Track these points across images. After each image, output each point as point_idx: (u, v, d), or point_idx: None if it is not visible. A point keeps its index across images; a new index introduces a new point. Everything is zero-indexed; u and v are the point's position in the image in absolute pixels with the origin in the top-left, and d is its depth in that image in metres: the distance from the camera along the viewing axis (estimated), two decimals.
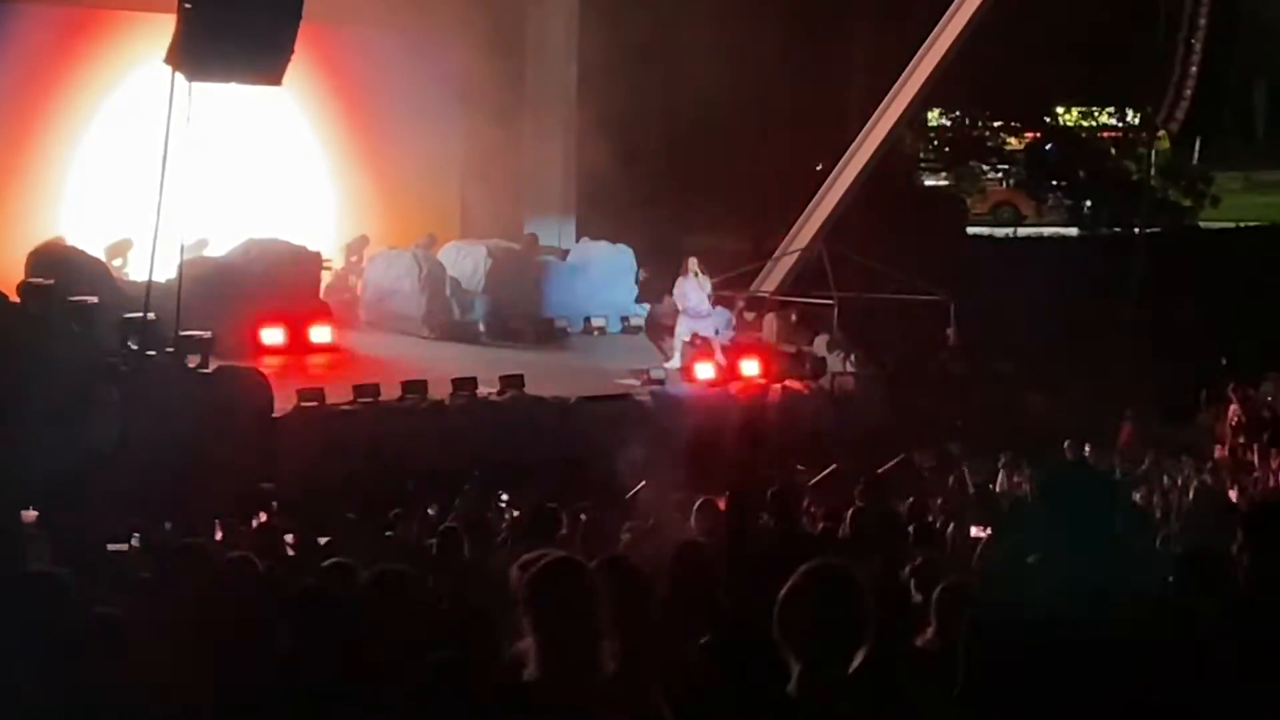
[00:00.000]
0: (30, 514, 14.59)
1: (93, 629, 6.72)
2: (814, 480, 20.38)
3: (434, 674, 6.16)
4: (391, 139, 30.76)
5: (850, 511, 11.06)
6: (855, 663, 5.25)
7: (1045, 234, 43.36)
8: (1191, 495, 18.59)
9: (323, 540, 13.97)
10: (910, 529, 12.01)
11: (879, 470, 18.30)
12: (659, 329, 28.58)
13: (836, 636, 5.29)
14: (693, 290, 26.40)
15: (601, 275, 30.24)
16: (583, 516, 14.23)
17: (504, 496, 19.00)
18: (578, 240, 31.33)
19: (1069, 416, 23.80)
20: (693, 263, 26.72)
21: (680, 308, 26.55)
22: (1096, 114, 46.86)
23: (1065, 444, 21.47)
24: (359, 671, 6.33)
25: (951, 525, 14.02)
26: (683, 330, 26.37)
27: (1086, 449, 21.49)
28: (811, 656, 5.25)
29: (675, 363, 26.08)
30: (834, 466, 20.94)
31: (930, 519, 14.24)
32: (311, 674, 6.35)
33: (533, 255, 30.25)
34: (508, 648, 5.76)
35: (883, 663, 5.37)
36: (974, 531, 13.79)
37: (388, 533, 15.30)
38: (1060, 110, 46.36)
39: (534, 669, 5.45)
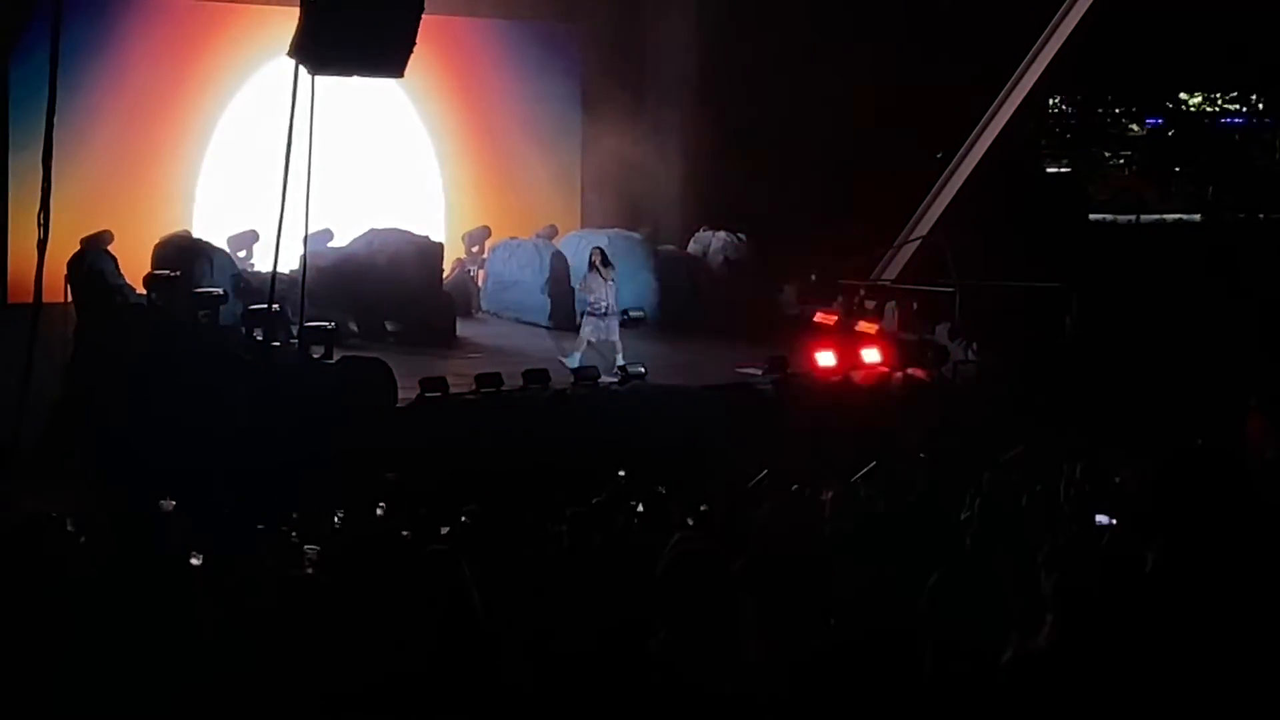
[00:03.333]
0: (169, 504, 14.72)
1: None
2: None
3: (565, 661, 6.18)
4: (511, 130, 30.99)
5: (977, 499, 11.00)
6: (1005, 657, 5.24)
7: (1168, 220, 42.93)
8: None
9: (444, 530, 14.03)
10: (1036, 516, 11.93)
11: (1003, 458, 18.15)
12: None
13: (979, 631, 5.28)
14: (596, 285, 24.23)
15: (721, 265, 30.33)
16: (703, 508, 14.23)
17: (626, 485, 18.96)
18: (697, 229, 31.33)
19: (1196, 406, 23.51)
20: (595, 254, 24.70)
21: (586, 306, 24.65)
22: (1221, 99, 46.41)
23: (1191, 435, 21.14)
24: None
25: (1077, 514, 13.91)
26: (588, 330, 24.18)
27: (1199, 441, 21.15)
28: (952, 650, 5.24)
29: (574, 361, 23.73)
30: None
31: (1056, 507, 14.13)
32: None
33: (654, 245, 30.26)
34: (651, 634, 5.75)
35: (1021, 657, 5.34)
36: (1100, 520, 13.67)
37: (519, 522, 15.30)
38: (1184, 95, 45.96)
39: (669, 654, 5.46)
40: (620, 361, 23.70)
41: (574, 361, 23.73)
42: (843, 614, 6.92)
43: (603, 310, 24.04)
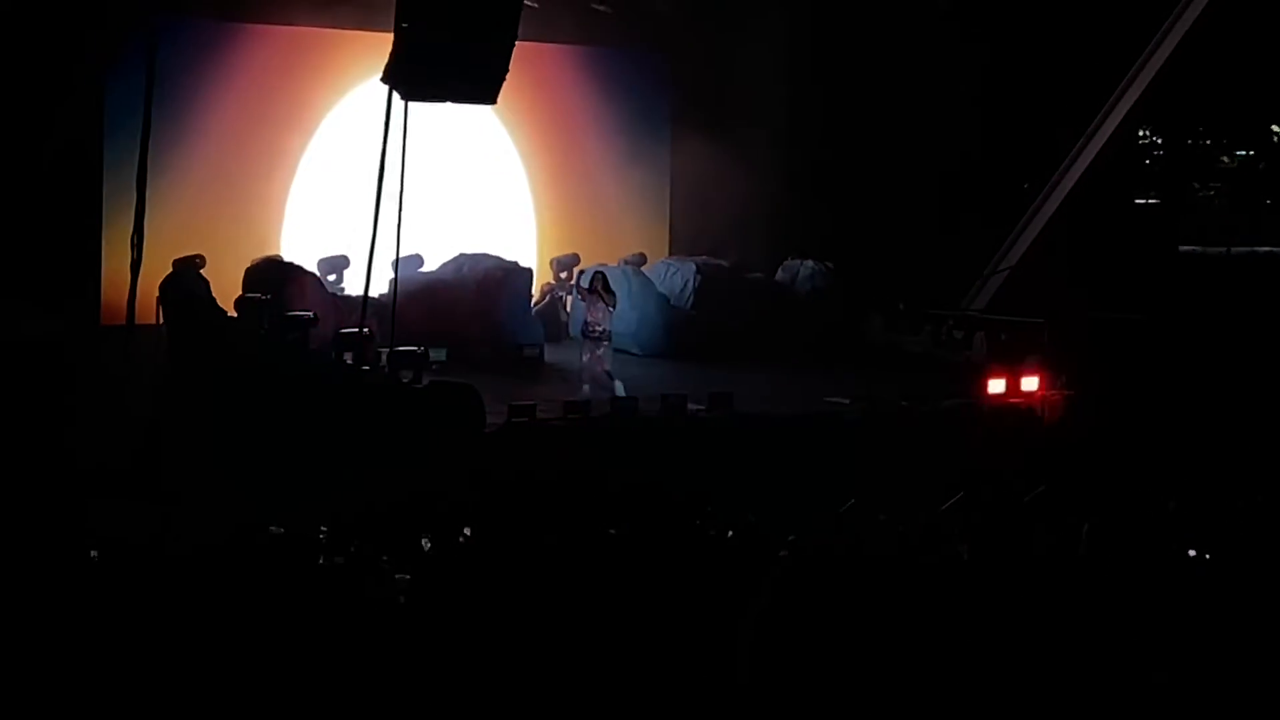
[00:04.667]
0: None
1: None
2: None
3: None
4: (600, 156, 31.06)
5: (1086, 528, 10.93)
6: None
7: (1260, 251, 42.55)
8: None
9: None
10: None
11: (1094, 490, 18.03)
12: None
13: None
14: (598, 310, 24.03)
15: (808, 294, 30.25)
16: (790, 538, 14.16)
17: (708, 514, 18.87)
18: (785, 258, 31.27)
19: None
20: (597, 280, 24.42)
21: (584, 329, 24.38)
22: None
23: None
24: None
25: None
26: (587, 356, 24.19)
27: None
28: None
29: (619, 389, 23.68)
30: (1042, 488, 20.65)
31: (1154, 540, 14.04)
32: None
33: (742, 273, 30.24)
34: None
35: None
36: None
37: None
38: (1275, 127, 45.61)
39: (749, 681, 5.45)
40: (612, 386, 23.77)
41: (619, 389, 23.74)
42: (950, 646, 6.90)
43: (597, 334, 24.06)
